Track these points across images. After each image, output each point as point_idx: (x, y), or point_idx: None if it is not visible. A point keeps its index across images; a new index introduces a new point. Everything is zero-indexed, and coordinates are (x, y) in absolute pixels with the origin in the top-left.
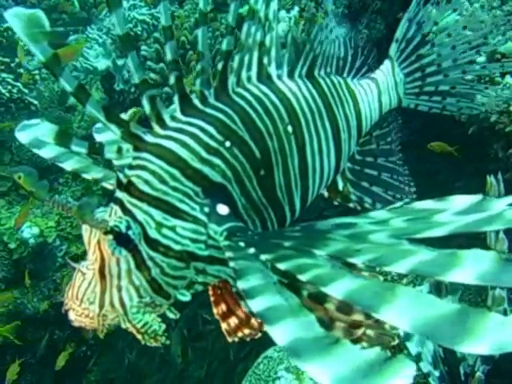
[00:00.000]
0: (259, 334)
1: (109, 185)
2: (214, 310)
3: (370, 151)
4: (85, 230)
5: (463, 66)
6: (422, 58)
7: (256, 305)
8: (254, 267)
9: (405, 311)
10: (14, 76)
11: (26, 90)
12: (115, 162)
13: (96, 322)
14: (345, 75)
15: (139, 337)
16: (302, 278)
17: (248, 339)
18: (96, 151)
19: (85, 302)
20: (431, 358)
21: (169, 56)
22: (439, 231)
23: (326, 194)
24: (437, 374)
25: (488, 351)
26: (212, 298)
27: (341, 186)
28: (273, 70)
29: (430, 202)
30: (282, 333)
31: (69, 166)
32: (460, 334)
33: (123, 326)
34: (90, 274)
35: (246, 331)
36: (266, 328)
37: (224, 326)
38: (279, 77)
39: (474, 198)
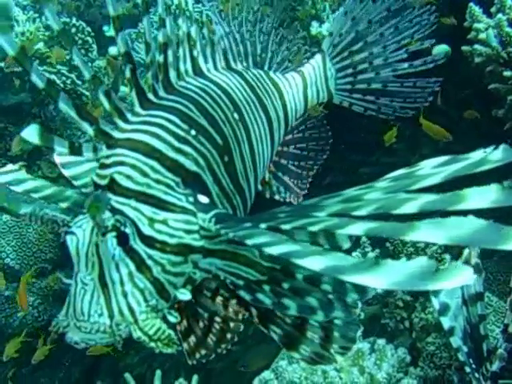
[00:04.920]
0: (213, 355)
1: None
2: (177, 327)
3: (285, 141)
4: (70, 239)
5: (393, 64)
6: (355, 54)
7: (276, 250)
8: (258, 231)
9: (434, 229)
10: (68, 68)
11: (79, 82)
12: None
13: (111, 335)
14: (265, 68)
15: (152, 344)
16: (313, 228)
17: (204, 361)
18: (76, 151)
19: (93, 315)
20: (462, 333)
21: (121, 49)
22: (432, 180)
23: (259, 186)
24: (465, 349)
25: None
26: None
27: (267, 176)
28: (202, 64)
29: (403, 170)
30: (315, 261)
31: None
32: (498, 238)
33: (135, 335)
34: (91, 284)
35: (203, 351)
36: (296, 261)
37: (185, 345)
38: (208, 70)
39: (446, 157)
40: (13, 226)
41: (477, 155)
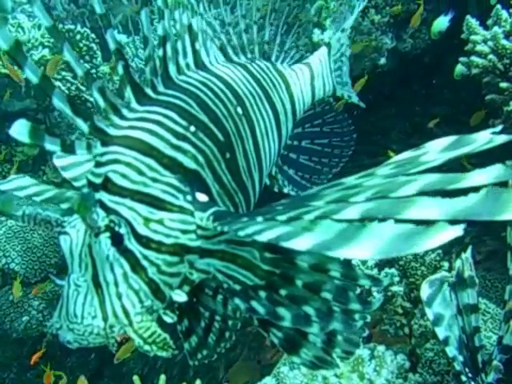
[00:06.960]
0: (215, 356)
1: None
2: (178, 327)
3: (297, 134)
4: (63, 240)
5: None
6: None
7: (264, 236)
8: (251, 222)
9: (431, 204)
10: (73, 74)
11: (83, 88)
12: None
13: (104, 337)
14: (273, 59)
15: (147, 347)
16: (309, 216)
17: (206, 361)
18: (68, 149)
19: (86, 317)
20: (457, 343)
21: (111, 45)
22: (435, 162)
23: (267, 180)
24: (461, 358)
25: None
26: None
27: (273, 171)
28: (204, 57)
29: (408, 152)
30: (301, 241)
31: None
32: (496, 209)
33: (131, 336)
34: (84, 285)
35: (204, 352)
36: (284, 245)
37: (186, 346)
38: (211, 63)
39: (452, 137)
40: (18, 231)
41: (484, 136)
